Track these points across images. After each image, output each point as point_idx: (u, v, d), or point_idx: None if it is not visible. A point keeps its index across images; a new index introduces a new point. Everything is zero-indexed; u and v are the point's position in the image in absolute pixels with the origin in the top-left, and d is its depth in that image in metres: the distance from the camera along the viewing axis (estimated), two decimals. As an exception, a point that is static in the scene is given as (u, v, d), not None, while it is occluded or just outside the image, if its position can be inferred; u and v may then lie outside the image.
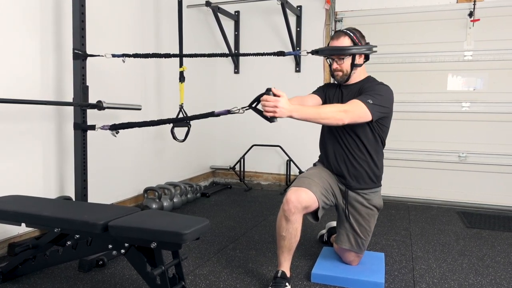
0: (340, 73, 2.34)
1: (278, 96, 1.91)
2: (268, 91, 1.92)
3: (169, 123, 2.90)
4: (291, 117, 1.94)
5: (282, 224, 2.17)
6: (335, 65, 2.33)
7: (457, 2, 4.14)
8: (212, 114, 2.27)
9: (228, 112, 2.15)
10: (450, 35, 4.19)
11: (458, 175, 4.25)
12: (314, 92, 2.54)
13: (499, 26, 4.03)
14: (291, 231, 2.16)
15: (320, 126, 2.52)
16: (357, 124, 2.23)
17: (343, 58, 2.29)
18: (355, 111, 2.11)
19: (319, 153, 2.59)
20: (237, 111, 2.11)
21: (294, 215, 2.14)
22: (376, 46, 2.31)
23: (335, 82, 2.48)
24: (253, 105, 2.05)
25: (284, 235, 2.18)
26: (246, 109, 2.08)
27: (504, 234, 3.28)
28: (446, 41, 4.20)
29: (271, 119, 1.93)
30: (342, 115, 2.06)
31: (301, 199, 2.15)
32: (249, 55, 2.73)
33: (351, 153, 2.36)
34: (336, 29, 4.55)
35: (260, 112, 1.97)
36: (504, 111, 4.06)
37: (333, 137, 2.42)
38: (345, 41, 2.29)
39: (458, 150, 4.23)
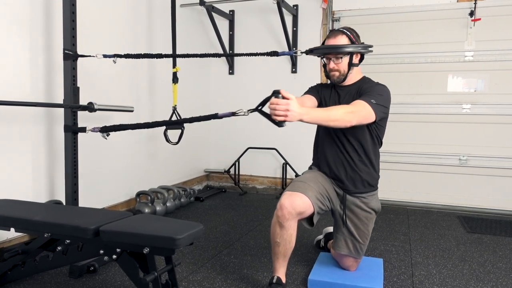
0: (337, 73, 2.27)
1: (287, 99, 1.80)
2: (277, 94, 1.80)
3: (164, 125, 2.77)
4: (301, 120, 1.84)
5: (276, 230, 2.12)
6: (331, 65, 2.25)
7: (457, 1, 4.10)
8: (215, 116, 2.09)
9: (233, 114, 1.98)
10: (451, 35, 4.15)
11: (458, 178, 4.20)
12: (308, 93, 2.43)
13: (501, 25, 3.99)
14: (286, 237, 2.12)
15: (315, 128, 2.45)
16: (357, 126, 2.17)
17: (341, 57, 2.22)
18: (361, 112, 2.04)
19: (314, 156, 2.53)
20: (243, 113, 1.94)
21: (288, 221, 2.09)
22: (372, 46, 2.25)
23: (328, 83, 2.43)
24: (260, 108, 1.92)
25: (279, 241, 2.13)
26: (252, 112, 1.93)
27: (506, 239, 3.24)
28: (446, 41, 4.16)
29: (280, 124, 1.81)
30: (350, 117, 1.99)
31: (295, 204, 2.09)
32: (242, 55, 2.69)
33: (350, 156, 2.30)
34: (334, 29, 4.50)
35: (268, 116, 1.85)
36: (505, 113, 4.02)
37: (330, 139, 2.35)
38: (342, 40, 2.23)
39: (458, 153, 4.19)
